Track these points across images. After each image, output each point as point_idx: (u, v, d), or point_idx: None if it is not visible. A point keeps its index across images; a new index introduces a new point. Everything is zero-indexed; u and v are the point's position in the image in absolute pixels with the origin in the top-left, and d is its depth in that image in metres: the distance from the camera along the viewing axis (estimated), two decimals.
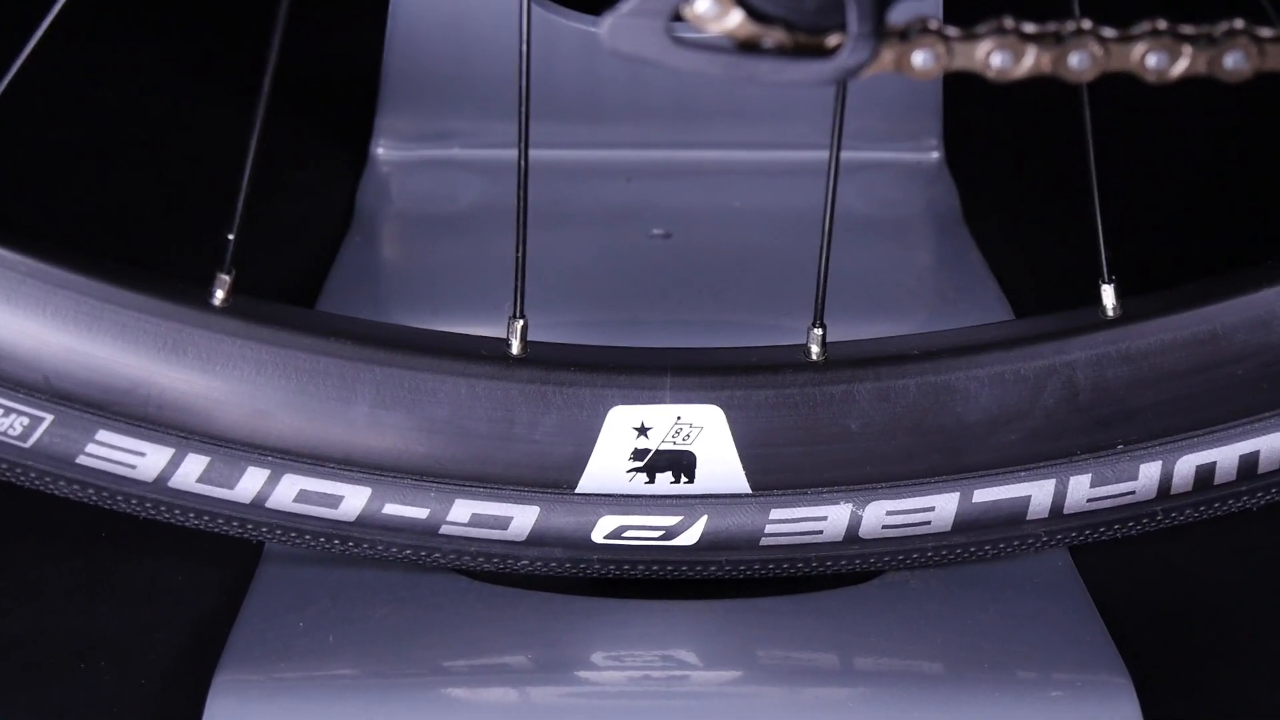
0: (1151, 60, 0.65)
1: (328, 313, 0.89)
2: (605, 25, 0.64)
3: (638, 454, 0.78)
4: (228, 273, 0.76)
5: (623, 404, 0.77)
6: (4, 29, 0.82)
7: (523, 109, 0.76)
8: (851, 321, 0.86)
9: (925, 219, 1.20)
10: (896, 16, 0.64)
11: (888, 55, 0.64)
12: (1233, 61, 0.65)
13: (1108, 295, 0.79)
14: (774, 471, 0.78)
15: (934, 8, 1.20)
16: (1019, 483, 0.79)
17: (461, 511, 0.78)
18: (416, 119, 1.24)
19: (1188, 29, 0.65)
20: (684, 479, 0.78)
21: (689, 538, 0.79)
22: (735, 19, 0.63)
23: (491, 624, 0.80)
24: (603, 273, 1.11)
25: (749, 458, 0.78)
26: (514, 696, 0.76)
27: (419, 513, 0.78)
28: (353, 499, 0.78)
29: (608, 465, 0.78)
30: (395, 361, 0.77)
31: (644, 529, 0.79)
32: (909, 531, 0.79)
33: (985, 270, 1.12)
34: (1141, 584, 0.88)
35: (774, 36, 0.64)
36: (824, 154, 0.78)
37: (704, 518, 0.79)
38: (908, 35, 0.65)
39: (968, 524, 0.79)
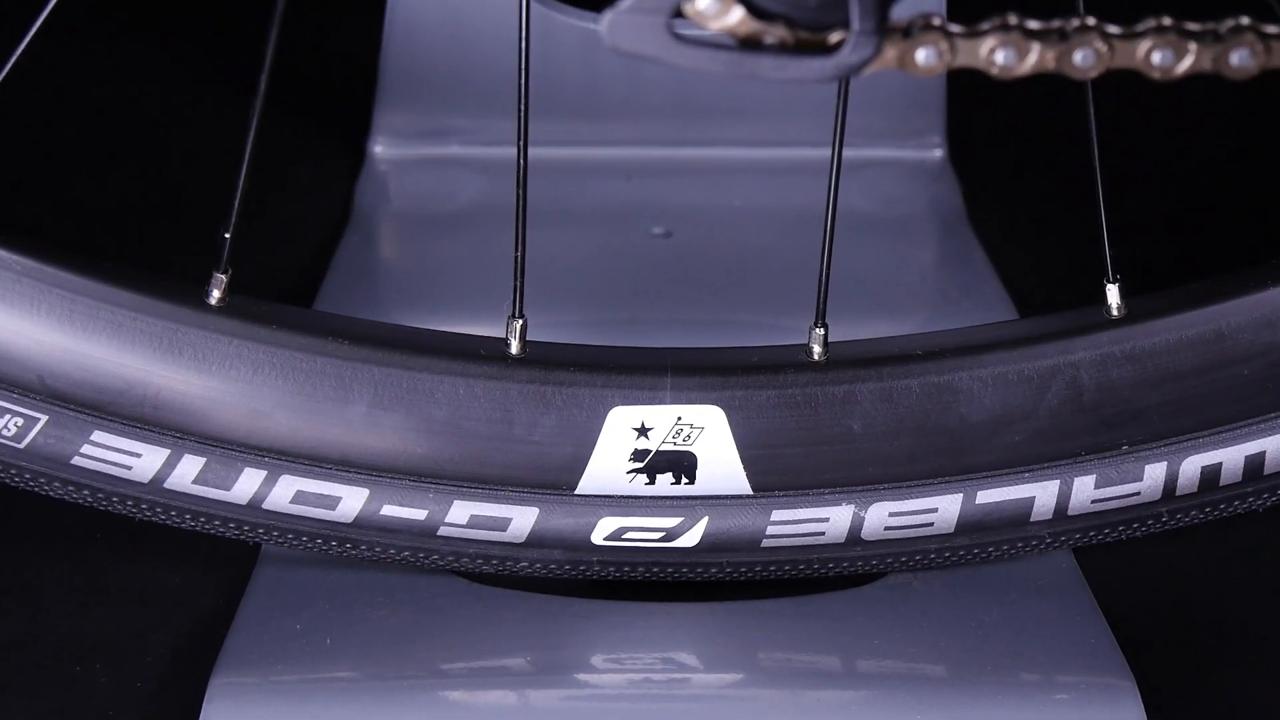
0: (1156, 57, 0.65)
1: (325, 312, 0.90)
2: (605, 22, 0.64)
3: (638, 455, 0.78)
4: (224, 272, 0.76)
5: (623, 404, 0.77)
6: None
7: (522, 107, 0.76)
8: (853, 321, 0.86)
9: (928, 217, 1.20)
10: (899, 13, 0.64)
11: (890, 52, 0.64)
12: (1238, 59, 0.65)
13: (1112, 294, 0.79)
14: (775, 472, 0.78)
15: (937, 4, 1.20)
16: (1023, 484, 0.78)
17: (460, 513, 0.78)
18: (415, 116, 1.24)
19: (1193, 26, 0.65)
20: (685, 480, 0.78)
21: (690, 539, 0.79)
22: (736, 15, 0.63)
23: (490, 626, 0.79)
24: (603, 272, 1.11)
25: (750, 458, 0.78)
26: (513, 699, 0.76)
27: (417, 514, 0.78)
28: (350, 500, 0.77)
29: (608, 466, 0.78)
30: (393, 361, 0.77)
31: (644, 530, 0.78)
32: (912, 533, 0.79)
33: (989, 269, 1.12)
34: (1146, 586, 0.88)
35: (776, 33, 0.64)
36: (826, 152, 0.78)
37: (705, 519, 0.78)
38: (910, 32, 0.65)
39: (971, 525, 0.79)
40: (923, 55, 0.65)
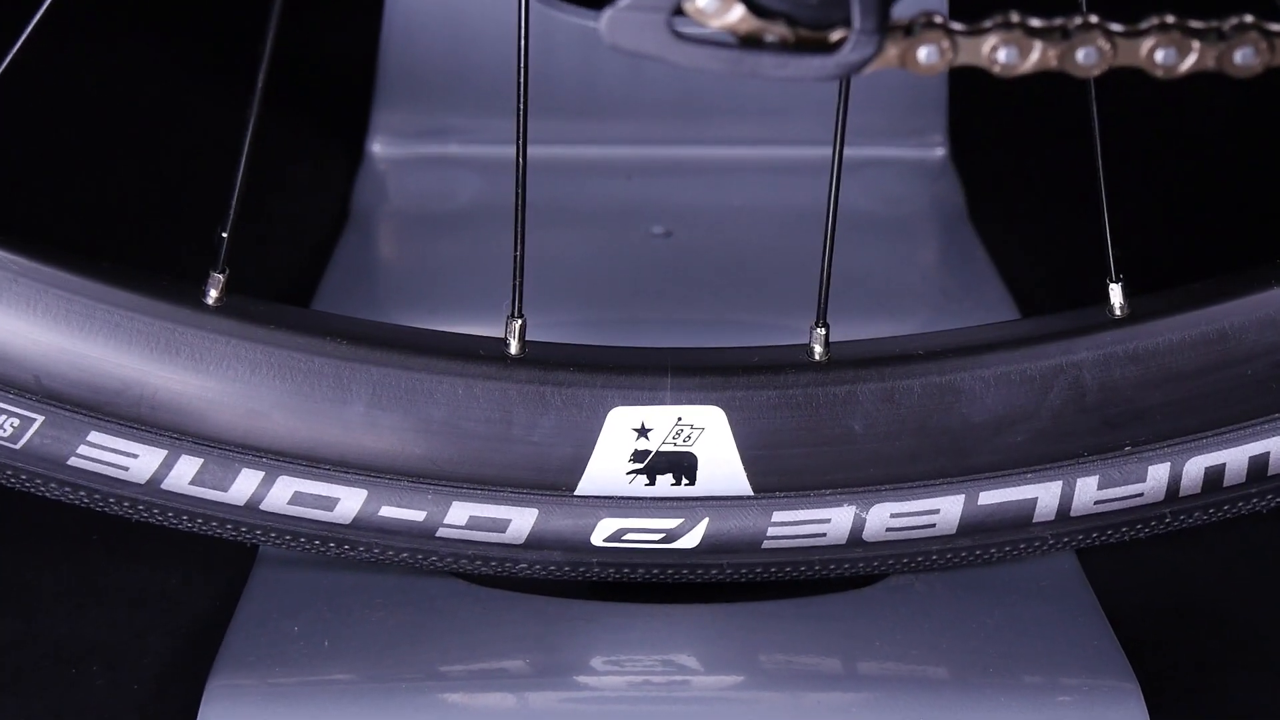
0: (1160, 55, 0.65)
1: (323, 312, 0.90)
2: (605, 20, 0.63)
3: (638, 455, 0.77)
4: (221, 271, 0.76)
5: (623, 405, 0.77)
6: None
7: (521, 105, 0.76)
8: (855, 321, 0.86)
9: (930, 217, 1.20)
10: (901, 11, 0.64)
11: (892, 50, 0.64)
12: (1242, 57, 0.65)
13: (1115, 294, 0.79)
14: (776, 473, 0.78)
15: (939, 2, 1.20)
16: (1025, 485, 0.78)
17: (459, 514, 0.78)
18: (413, 115, 1.24)
19: (1196, 24, 0.65)
20: (685, 481, 0.78)
21: (690, 540, 0.78)
22: (737, 13, 0.63)
23: (489, 628, 0.79)
24: (602, 271, 1.11)
25: (751, 459, 0.78)
26: (512, 702, 0.76)
27: (416, 515, 0.78)
28: (348, 501, 0.77)
29: (607, 467, 0.77)
30: (392, 361, 0.77)
31: (644, 532, 0.78)
32: (914, 534, 0.79)
33: (991, 269, 1.12)
34: (1149, 587, 0.88)
35: (776, 31, 0.64)
36: (827, 151, 0.77)
37: (705, 520, 0.78)
38: (912, 30, 0.64)
39: (973, 526, 0.79)
40: (924, 53, 0.64)
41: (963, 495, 0.78)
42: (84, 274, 0.75)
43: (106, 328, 0.75)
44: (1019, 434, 0.78)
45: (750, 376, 0.77)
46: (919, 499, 0.78)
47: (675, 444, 0.77)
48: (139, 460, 0.76)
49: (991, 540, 0.79)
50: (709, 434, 0.77)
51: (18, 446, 0.76)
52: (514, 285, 0.77)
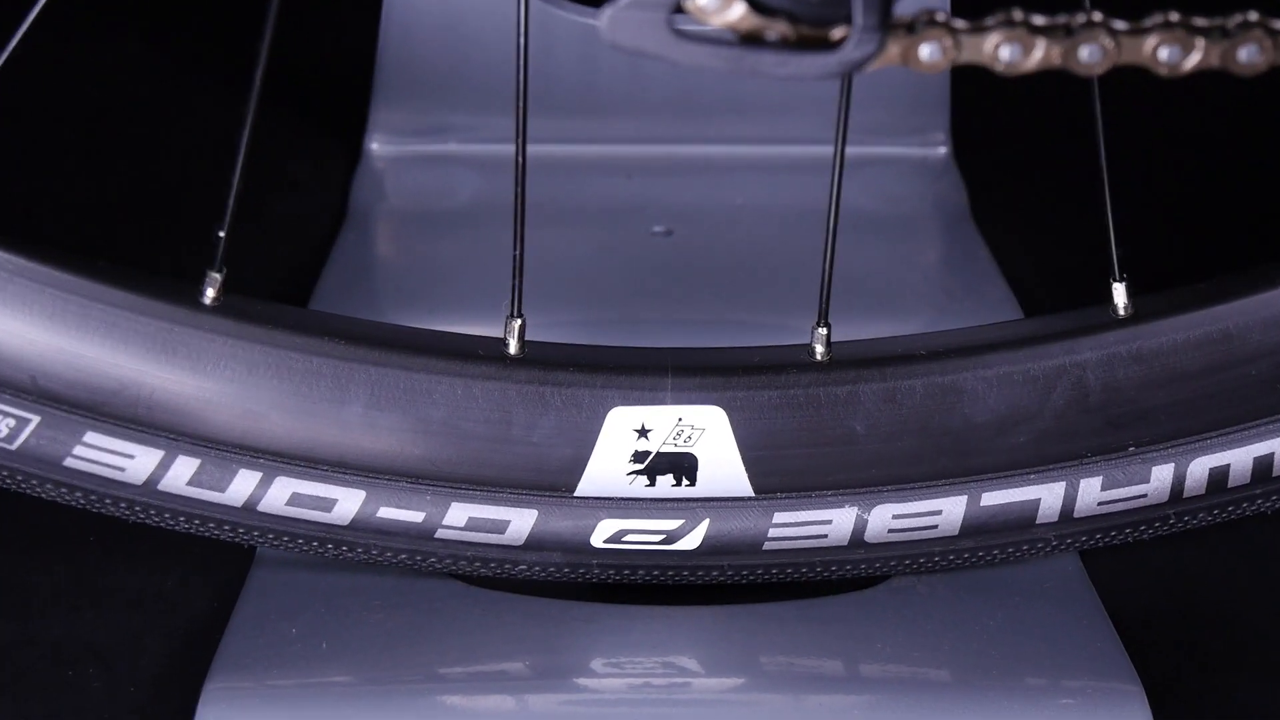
0: (1163, 53, 0.65)
1: (321, 311, 0.89)
2: (605, 18, 0.63)
3: (638, 456, 0.77)
4: (219, 270, 0.76)
5: (623, 405, 0.77)
6: None
7: (521, 103, 0.75)
8: (857, 321, 0.85)
9: (932, 216, 1.20)
10: (903, 8, 0.64)
11: (894, 48, 0.64)
12: (1246, 55, 0.65)
13: (1119, 294, 0.78)
14: (777, 474, 0.78)
15: None
16: (1028, 486, 0.78)
17: (458, 515, 0.78)
18: (412, 113, 1.24)
19: (1201, 21, 0.65)
20: (685, 482, 0.78)
21: (691, 542, 0.78)
22: (738, 11, 0.63)
23: (489, 630, 0.79)
24: (602, 271, 1.11)
25: (752, 460, 0.77)
26: (512, 704, 0.76)
27: (414, 516, 0.77)
28: (346, 502, 0.77)
29: (607, 468, 0.77)
30: (390, 361, 0.77)
31: (644, 533, 0.78)
32: (916, 535, 0.79)
33: (993, 268, 1.12)
34: (1153, 589, 0.88)
35: (777, 29, 0.63)
36: (828, 149, 0.77)
37: (706, 521, 0.78)
38: (914, 28, 0.64)
39: (976, 528, 0.79)
40: (926, 51, 0.64)
41: (965, 496, 0.78)
42: (80, 273, 0.75)
43: (103, 327, 0.75)
44: (1022, 434, 0.78)
45: (751, 377, 0.77)
46: (921, 500, 0.78)
47: (676, 445, 0.77)
48: (136, 461, 0.76)
49: (994, 541, 0.79)
50: (710, 434, 0.77)
51: (13, 447, 0.75)
52: (513, 285, 0.77)
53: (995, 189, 1.23)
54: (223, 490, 0.77)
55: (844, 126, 0.76)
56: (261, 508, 0.77)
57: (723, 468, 0.77)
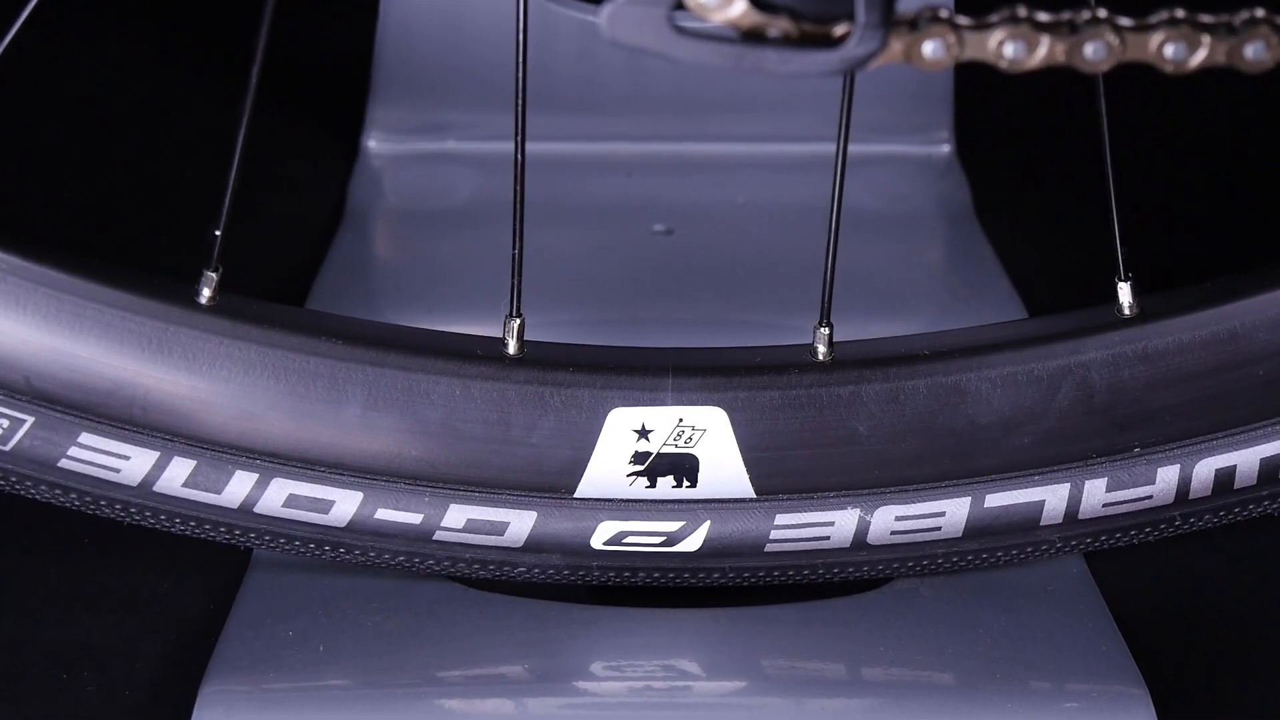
0: (1169, 50, 0.65)
1: (318, 311, 0.89)
2: (605, 14, 0.63)
3: (638, 457, 0.77)
4: (215, 270, 0.76)
5: (623, 405, 0.77)
6: None
7: (519, 101, 0.75)
8: (859, 320, 0.85)
9: (935, 214, 1.20)
10: (906, 5, 0.64)
11: (897, 45, 0.64)
12: (1253, 52, 0.65)
13: (1124, 293, 0.78)
14: (779, 475, 0.77)
15: None
16: (1032, 487, 0.78)
17: (456, 517, 0.77)
18: (410, 111, 1.25)
19: (1207, 18, 0.65)
20: (686, 483, 0.77)
21: (691, 544, 0.78)
22: (739, 8, 0.63)
23: (488, 633, 0.79)
24: (602, 270, 1.11)
25: (753, 461, 0.77)
26: (511, 708, 0.75)
27: (412, 518, 0.77)
28: (344, 504, 0.77)
29: (607, 469, 0.77)
30: (388, 362, 0.77)
31: (645, 535, 0.78)
32: (919, 537, 0.79)
33: (997, 267, 1.12)
34: (1159, 592, 0.88)
35: (779, 26, 0.63)
36: (831, 147, 0.77)
37: (707, 523, 0.78)
38: (917, 24, 0.64)
39: (979, 530, 0.79)
40: (930, 48, 0.64)
41: (969, 498, 0.78)
42: (75, 272, 0.75)
43: (98, 327, 0.75)
44: (1026, 435, 0.77)
45: (753, 377, 0.77)
46: (924, 501, 0.78)
47: (676, 445, 0.77)
48: (131, 462, 0.76)
49: (998, 543, 0.79)
50: (711, 435, 0.77)
51: (7, 448, 0.75)
52: (512, 284, 0.77)
53: (999, 187, 1.24)
54: (219, 492, 0.76)
55: (846, 124, 0.76)
56: (258, 509, 0.77)
57: (724, 469, 0.77)
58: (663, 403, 0.77)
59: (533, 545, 0.78)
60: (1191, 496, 0.78)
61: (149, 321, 0.75)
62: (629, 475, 0.77)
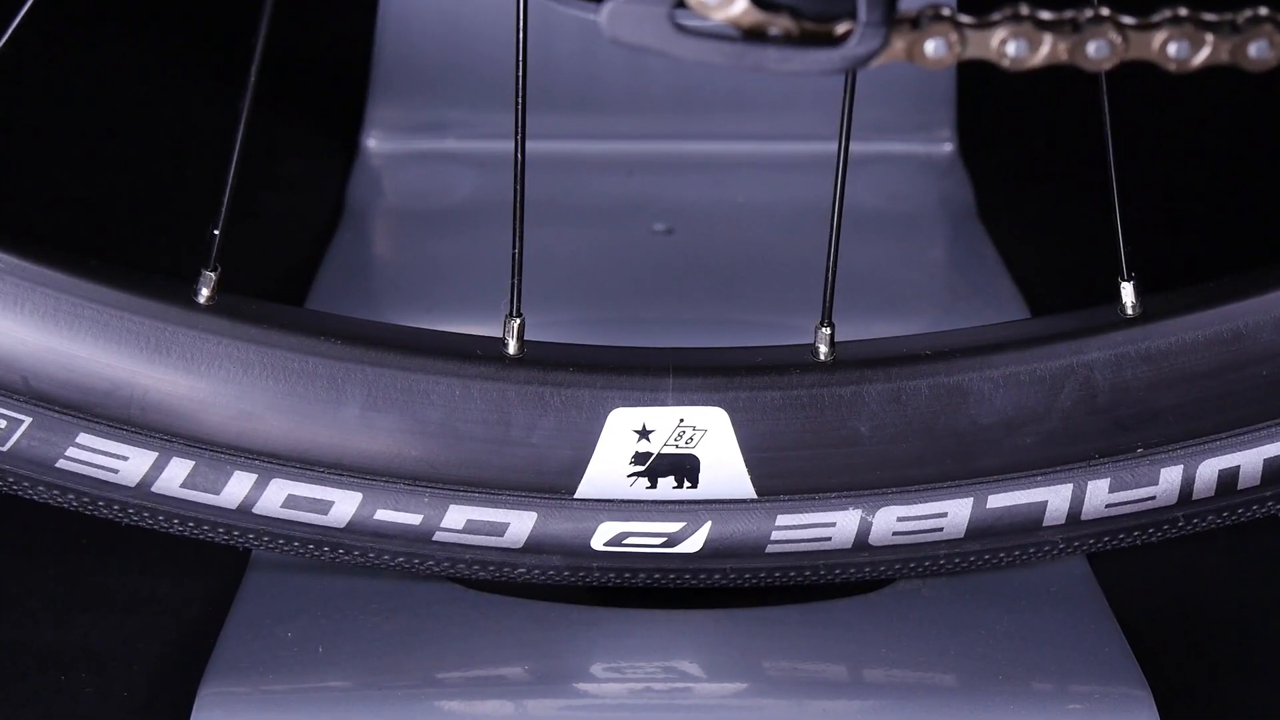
0: (1172, 49, 0.65)
1: (317, 311, 0.90)
2: (605, 12, 0.63)
3: (639, 458, 0.77)
4: (213, 270, 0.76)
5: (623, 406, 0.76)
6: None
7: (519, 99, 0.75)
8: (861, 320, 0.85)
9: (938, 214, 1.21)
10: (908, 3, 0.64)
11: (899, 43, 0.64)
12: (1257, 51, 0.65)
13: (1127, 293, 0.78)
14: (780, 476, 0.77)
15: None
16: (1035, 488, 0.78)
17: (456, 517, 0.77)
18: (409, 110, 1.25)
19: (1210, 16, 0.65)
20: (687, 484, 0.77)
21: (692, 545, 0.78)
22: (740, 6, 0.63)
23: (487, 634, 0.79)
24: (602, 270, 1.11)
25: (754, 462, 0.77)
26: (510, 709, 0.75)
27: (412, 519, 0.77)
28: (343, 504, 0.77)
29: (608, 469, 0.77)
30: (387, 362, 0.76)
31: (645, 535, 0.78)
32: (921, 538, 0.78)
33: (1000, 267, 1.12)
34: (1162, 593, 0.88)
35: (780, 24, 0.63)
36: (832, 146, 0.77)
37: (708, 524, 0.78)
38: (919, 23, 0.64)
39: (982, 530, 0.78)
40: (932, 47, 0.64)
41: (971, 498, 0.78)
42: (73, 272, 0.75)
43: (96, 327, 0.75)
44: (1028, 436, 0.77)
45: (754, 377, 0.77)
46: (926, 502, 0.78)
47: (677, 446, 0.77)
48: (129, 462, 0.76)
49: (1000, 544, 0.79)
50: (711, 436, 0.77)
51: (5, 448, 0.75)
52: (512, 284, 0.77)
53: (1001, 187, 1.24)
54: (217, 492, 0.76)
55: (848, 123, 0.75)
56: (257, 510, 0.77)
57: (725, 469, 0.77)
58: (663, 403, 0.76)
59: (533, 546, 0.78)
60: (1195, 497, 0.78)
61: (147, 321, 0.75)
62: (630, 476, 0.77)
